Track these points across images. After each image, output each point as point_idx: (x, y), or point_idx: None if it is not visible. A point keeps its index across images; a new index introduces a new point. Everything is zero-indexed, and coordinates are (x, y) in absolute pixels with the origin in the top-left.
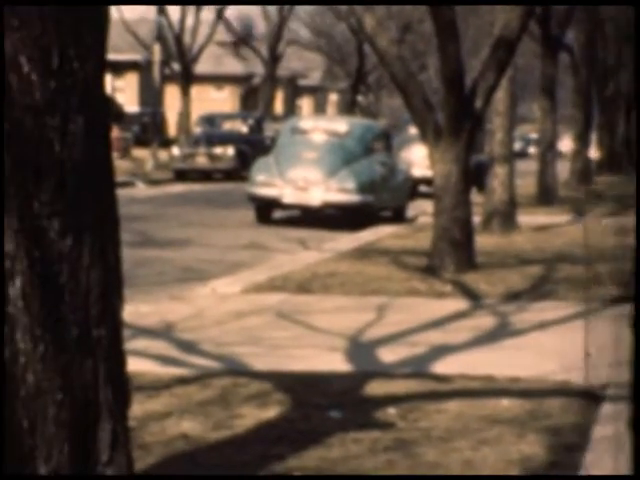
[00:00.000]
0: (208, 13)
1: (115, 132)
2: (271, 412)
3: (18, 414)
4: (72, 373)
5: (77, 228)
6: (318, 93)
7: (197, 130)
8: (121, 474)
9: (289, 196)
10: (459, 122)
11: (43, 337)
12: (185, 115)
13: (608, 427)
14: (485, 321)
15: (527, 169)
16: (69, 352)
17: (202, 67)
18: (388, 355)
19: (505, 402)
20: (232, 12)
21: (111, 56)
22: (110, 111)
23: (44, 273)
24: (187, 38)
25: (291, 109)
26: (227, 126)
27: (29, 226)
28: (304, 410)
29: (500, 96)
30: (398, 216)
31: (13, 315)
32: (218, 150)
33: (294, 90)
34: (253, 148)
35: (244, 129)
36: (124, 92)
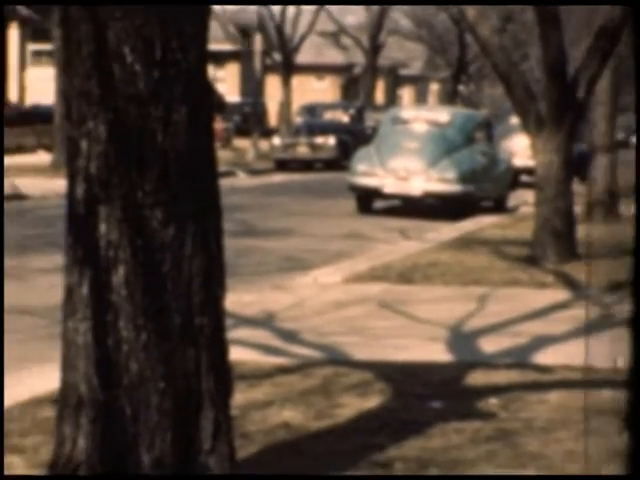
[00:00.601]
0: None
1: (217, 122)
2: (372, 402)
3: (121, 402)
4: (175, 361)
5: (180, 217)
6: (419, 83)
7: (298, 120)
8: (223, 463)
9: (390, 186)
10: (561, 111)
11: (146, 325)
12: (286, 105)
13: None
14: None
15: (630, 159)
16: (172, 340)
17: (303, 57)
18: (489, 345)
19: (607, 393)
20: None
21: (212, 46)
22: (213, 101)
23: (147, 262)
24: (288, 28)
25: (392, 99)
26: (328, 116)
27: (132, 215)
28: (405, 400)
29: (603, 85)
30: (499, 206)
31: (116, 303)
32: (319, 140)
33: (395, 80)
34: (354, 138)
35: (345, 119)
36: (225, 82)
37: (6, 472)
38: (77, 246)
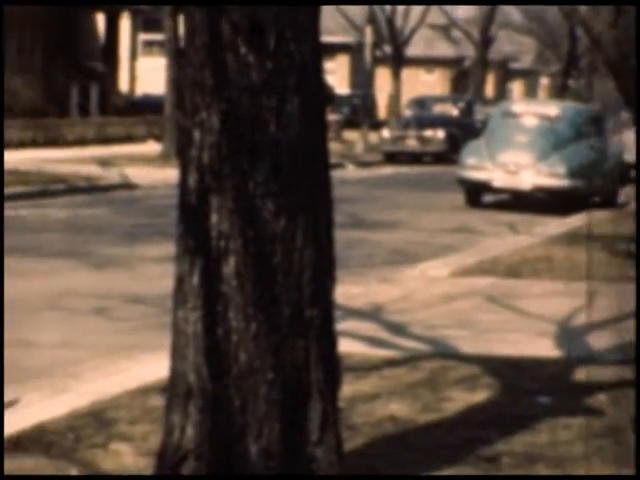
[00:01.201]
0: None
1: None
2: (479, 396)
3: (230, 392)
4: (284, 353)
5: (291, 209)
6: (529, 77)
7: (407, 113)
8: (330, 454)
9: (499, 180)
10: None
11: (256, 316)
12: (395, 98)
13: None
14: None
15: None
16: (281, 332)
17: (413, 50)
18: (598, 341)
19: None
20: None
21: (323, 38)
22: (326, 93)
23: (258, 253)
24: (399, 21)
25: (501, 93)
26: (437, 109)
27: (244, 206)
28: (512, 395)
29: None
30: (609, 201)
31: (227, 294)
32: (428, 133)
33: (505, 73)
34: (463, 131)
35: (454, 112)
36: (335, 74)
37: (115, 460)
38: (188, 236)
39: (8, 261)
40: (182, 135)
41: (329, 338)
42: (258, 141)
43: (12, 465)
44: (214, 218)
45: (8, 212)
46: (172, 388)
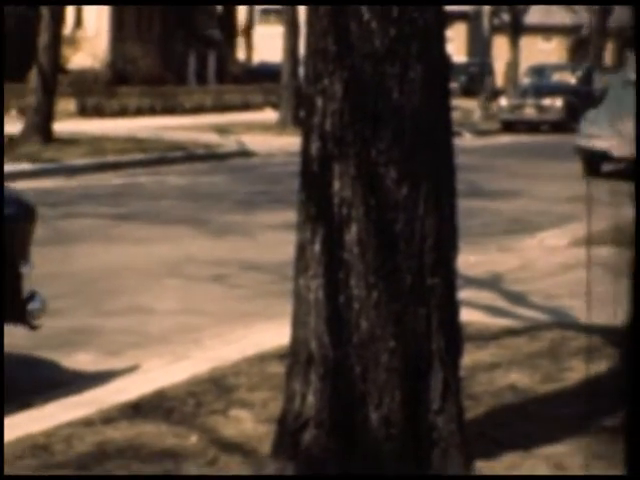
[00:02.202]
0: None
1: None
2: (600, 366)
3: (351, 360)
4: (405, 321)
5: (413, 177)
6: None
7: (525, 81)
8: (451, 423)
9: (619, 149)
10: None
11: (377, 284)
12: (513, 66)
13: None
14: None
15: None
16: (402, 300)
17: (531, 18)
18: None
19: None
20: None
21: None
22: (449, 60)
23: (379, 221)
24: None
25: (621, 61)
26: (556, 77)
27: (366, 173)
28: None
29: None
30: None
31: (348, 261)
32: (546, 101)
33: (624, 41)
34: (581, 100)
35: (573, 81)
36: (452, 42)
37: (235, 426)
38: (310, 203)
39: (128, 228)
40: (305, 102)
41: (450, 306)
42: (381, 108)
43: (132, 431)
44: (336, 185)
45: (127, 179)
46: (293, 355)
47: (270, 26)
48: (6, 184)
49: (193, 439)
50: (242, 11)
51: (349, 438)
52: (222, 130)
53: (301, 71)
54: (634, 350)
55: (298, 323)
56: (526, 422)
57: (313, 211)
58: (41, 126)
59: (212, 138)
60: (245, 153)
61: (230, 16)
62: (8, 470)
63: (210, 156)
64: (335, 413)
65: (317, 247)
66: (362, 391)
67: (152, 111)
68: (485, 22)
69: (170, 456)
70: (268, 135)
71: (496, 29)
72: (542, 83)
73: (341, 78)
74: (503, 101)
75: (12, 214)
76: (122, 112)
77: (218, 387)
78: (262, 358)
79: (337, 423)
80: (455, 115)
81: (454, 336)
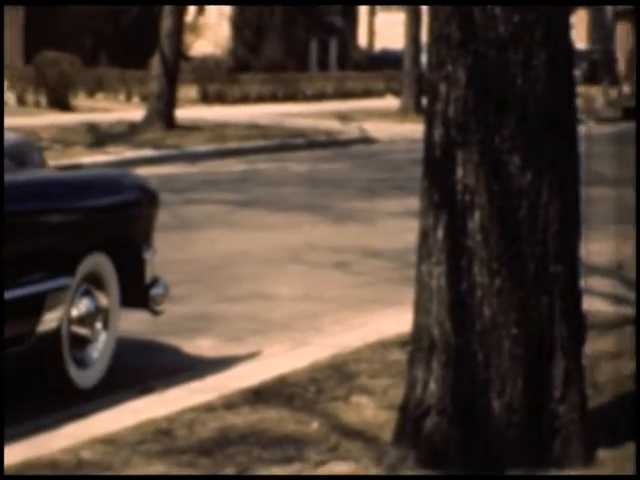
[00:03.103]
0: None
1: None
2: None
3: (473, 347)
4: (527, 308)
5: (537, 163)
6: None
7: None
8: (573, 412)
9: None
10: None
11: (500, 271)
12: (636, 53)
13: None
14: None
15: None
16: (525, 287)
17: None
18: None
19: None
20: None
21: None
22: (573, 47)
23: (503, 207)
24: None
25: None
26: None
27: (489, 160)
28: None
29: None
30: None
31: (471, 248)
32: None
33: None
34: None
35: None
36: (574, 29)
37: (356, 413)
38: (433, 190)
39: (249, 214)
40: (429, 89)
41: (574, 294)
42: (505, 95)
43: (254, 417)
44: (459, 172)
45: (248, 166)
46: (415, 342)
47: (392, 13)
48: (129, 170)
49: (314, 425)
50: None
51: (471, 425)
52: (343, 117)
53: (423, 58)
54: None
55: (420, 310)
56: None
57: (436, 198)
58: (163, 113)
59: (333, 125)
60: (366, 140)
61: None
62: (130, 455)
63: (331, 143)
64: (457, 400)
65: (440, 234)
66: (484, 378)
67: (273, 98)
68: (608, 8)
69: (291, 442)
70: (389, 122)
71: (619, 16)
72: None
73: (465, 64)
74: (626, 88)
75: (135, 200)
76: (244, 99)
77: (339, 374)
78: (383, 345)
79: (459, 410)
80: (577, 102)
81: (577, 324)
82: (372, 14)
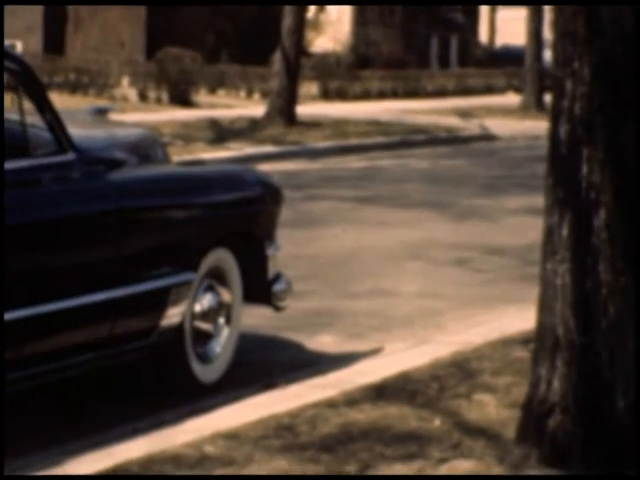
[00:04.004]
0: None
1: None
2: None
3: (597, 346)
4: None
5: None
6: None
7: None
8: None
9: None
10: None
11: (625, 270)
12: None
13: None
14: None
15: None
16: None
17: None
18: None
19: None
20: None
21: None
22: None
23: (628, 206)
24: None
25: None
26: None
27: (615, 158)
28: None
29: None
30: None
31: (596, 246)
32: None
33: None
34: None
35: None
36: None
37: (478, 410)
38: (558, 187)
39: (370, 211)
40: (554, 86)
41: None
42: (632, 92)
43: (376, 413)
44: (584, 169)
45: (369, 162)
46: (539, 340)
47: (513, 9)
48: (252, 166)
49: (436, 422)
50: None
51: (594, 424)
52: (464, 114)
53: (545, 54)
54: None
55: (544, 308)
56: None
57: (561, 195)
58: (284, 109)
59: (454, 121)
60: (487, 137)
61: None
62: (252, 450)
63: (452, 139)
64: (581, 399)
65: (565, 231)
66: (608, 377)
67: (394, 94)
68: None
69: (414, 439)
70: (510, 119)
71: None
72: None
73: (590, 61)
74: None
75: (259, 196)
76: (364, 95)
77: (461, 371)
78: (505, 343)
79: (583, 409)
80: None
81: None
82: (493, 10)
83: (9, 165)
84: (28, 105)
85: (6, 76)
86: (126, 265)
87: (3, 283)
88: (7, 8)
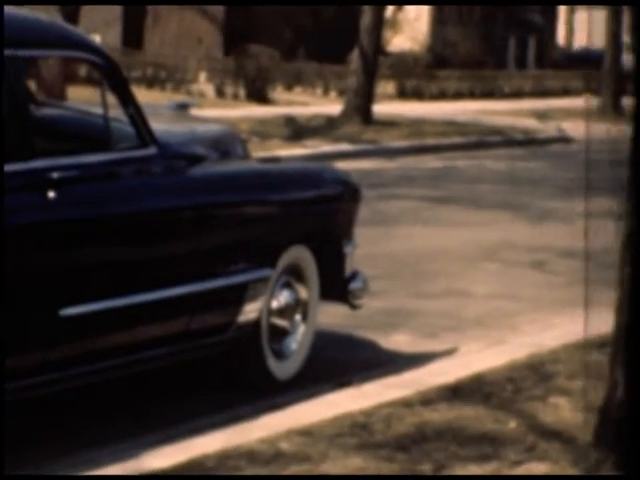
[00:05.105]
0: None
1: None
2: None
3: None
4: None
5: None
6: None
7: None
8: None
9: None
10: None
11: None
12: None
13: None
14: None
15: None
16: None
17: None
18: None
19: None
20: None
21: None
22: None
23: None
24: None
25: None
26: None
27: None
28: None
29: None
30: None
31: None
32: None
33: None
34: None
35: None
36: None
37: (553, 413)
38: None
39: (445, 211)
40: (635, 89)
41: None
42: None
43: (451, 414)
44: None
45: (445, 162)
46: (616, 344)
47: (591, 10)
48: (331, 164)
49: (512, 424)
50: None
51: None
52: (541, 115)
53: (624, 57)
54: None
55: (622, 312)
56: None
57: None
58: (361, 108)
59: (530, 123)
60: (564, 139)
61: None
62: (327, 448)
63: (528, 141)
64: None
65: None
66: None
67: (471, 95)
68: None
69: (489, 440)
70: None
71: None
72: None
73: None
74: None
75: (337, 194)
76: (441, 95)
77: (536, 373)
78: (581, 346)
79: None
80: None
81: None
82: (571, 12)
83: (92, 158)
84: (111, 99)
85: (90, 69)
86: (204, 260)
87: (76, 275)
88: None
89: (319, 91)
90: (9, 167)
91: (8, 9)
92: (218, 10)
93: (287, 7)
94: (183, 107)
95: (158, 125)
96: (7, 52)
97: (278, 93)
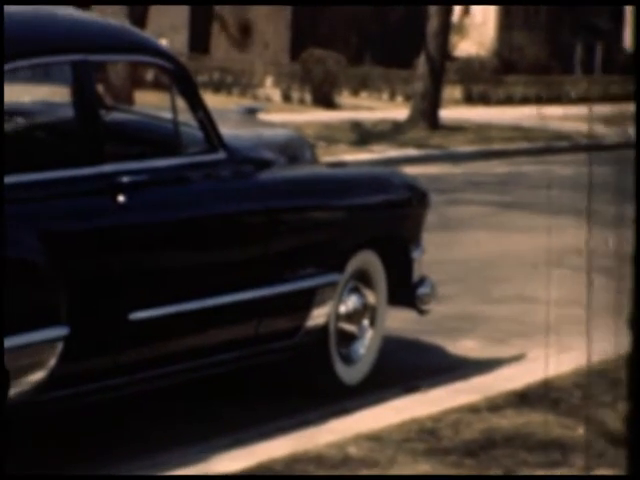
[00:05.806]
0: None
1: None
2: None
3: None
4: None
5: None
6: None
7: None
8: None
9: None
10: None
11: None
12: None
13: None
14: None
15: None
16: None
17: None
18: None
19: None
20: None
21: None
22: None
23: None
24: None
25: None
26: None
27: None
28: None
29: None
30: None
31: None
32: None
33: None
34: None
35: None
36: None
37: (622, 419)
38: None
39: (512, 216)
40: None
41: None
42: None
43: (519, 420)
44: None
45: (512, 168)
46: None
47: None
48: (399, 169)
49: (580, 431)
50: None
51: None
52: (607, 121)
53: None
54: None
55: None
56: None
57: None
58: (427, 113)
59: (597, 128)
60: (631, 145)
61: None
62: (395, 453)
63: (594, 146)
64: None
65: None
66: None
67: (538, 100)
68: None
69: (557, 447)
70: None
71: None
72: None
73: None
74: None
75: (405, 199)
76: (507, 100)
77: (605, 380)
78: None
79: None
80: None
81: None
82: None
83: (161, 163)
84: (181, 103)
85: (158, 74)
86: (273, 265)
87: (146, 280)
88: (154, 6)
89: (385, 96)
90: (80, 171)
91: (79, 14)
92: (285, 15)
93: (353, 12)
94: (252, 112)
95: (227, 130)
96: (77, 57)
97: (344, 98)
